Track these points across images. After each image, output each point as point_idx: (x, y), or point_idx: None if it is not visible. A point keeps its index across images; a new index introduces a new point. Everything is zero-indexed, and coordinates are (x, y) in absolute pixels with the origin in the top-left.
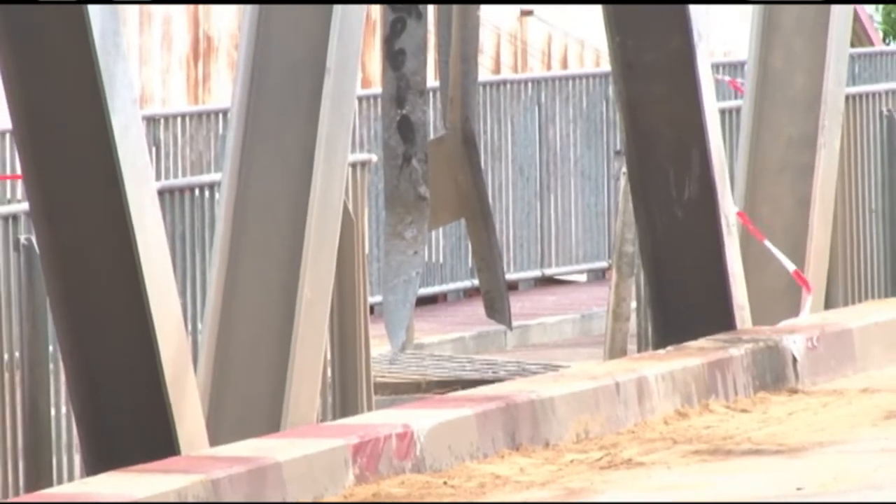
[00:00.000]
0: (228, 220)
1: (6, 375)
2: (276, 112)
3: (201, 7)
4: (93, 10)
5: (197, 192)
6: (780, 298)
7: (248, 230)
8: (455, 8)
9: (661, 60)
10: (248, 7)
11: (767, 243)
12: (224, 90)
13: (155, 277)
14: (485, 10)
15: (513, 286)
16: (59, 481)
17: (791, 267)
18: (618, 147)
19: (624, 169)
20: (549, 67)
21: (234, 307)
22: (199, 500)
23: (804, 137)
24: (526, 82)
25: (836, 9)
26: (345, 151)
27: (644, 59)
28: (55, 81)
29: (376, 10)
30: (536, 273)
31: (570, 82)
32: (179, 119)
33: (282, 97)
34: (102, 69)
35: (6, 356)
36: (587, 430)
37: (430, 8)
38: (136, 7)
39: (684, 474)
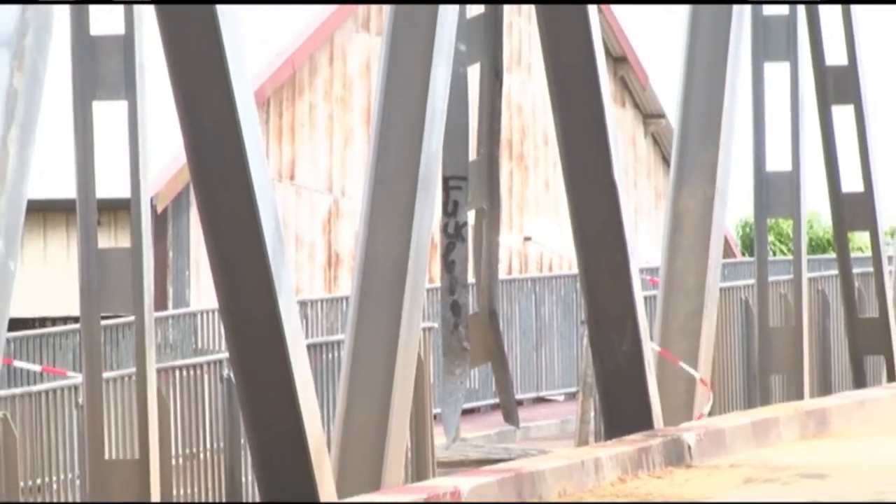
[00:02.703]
0: (349, 361)
1: (216, 457)
2: (378, 297)
3: (333, 233)
4: (267, 232)
5: (330, 348)
6: (681, 409)
7: (361, 368)
8: (484, 239)
9: (609, 267)
10: (361, 233)
11: (682, 364)
12: (346, 285)
13: (305, 392)
14: (502, 236)
15: (519, 402)
16: None
17: (698, 376)
18: (582, 319)
19: (585, 331)
20: (540, 271)
21: (352, 417)
22: None
23: (695, 311)
24: (527, 280)
25: (714, 236)
26: (418, 321)
27: (598, 265)
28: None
29: (436, 233)
30: (533, 394)
31: (554, 280)
32: (320, 302)
33: (381, 289)
34: (274, 273)
35: (218, 444)
36: (565, 490)
37: (471, 235)
38: (291, 234)
39: None
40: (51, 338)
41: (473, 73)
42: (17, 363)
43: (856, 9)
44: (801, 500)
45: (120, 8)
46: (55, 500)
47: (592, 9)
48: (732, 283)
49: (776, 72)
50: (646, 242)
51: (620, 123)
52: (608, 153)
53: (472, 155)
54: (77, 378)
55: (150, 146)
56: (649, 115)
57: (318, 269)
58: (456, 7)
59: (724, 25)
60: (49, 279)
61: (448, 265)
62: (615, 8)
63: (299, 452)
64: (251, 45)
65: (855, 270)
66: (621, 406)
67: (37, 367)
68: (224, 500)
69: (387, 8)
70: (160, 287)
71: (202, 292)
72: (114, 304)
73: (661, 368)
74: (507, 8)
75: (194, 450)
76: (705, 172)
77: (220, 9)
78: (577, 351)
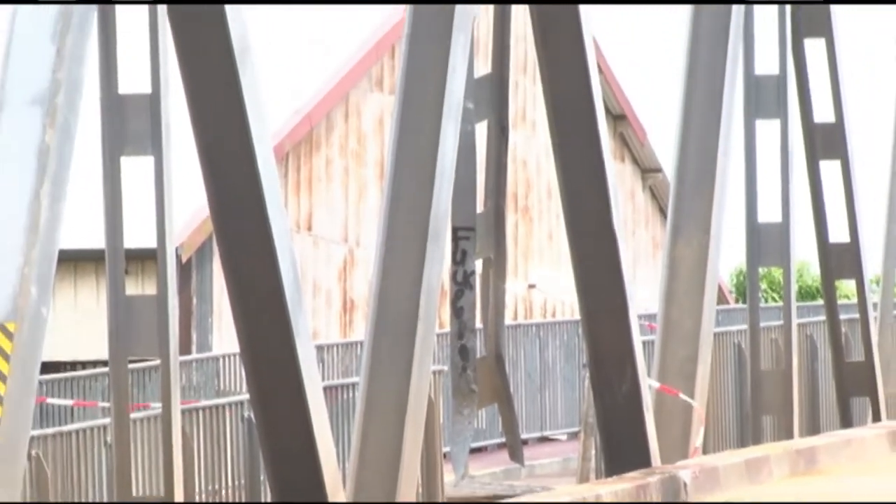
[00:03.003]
0: (363, 402)
1: (237, 493)
2: (391, 341)
3: (348, 281)
4: (286, 280)
5: (346, 390)
6: (677, 446)
7: (375, 409)
8: (491, 286)
9: (609, 313)
10: (374, 281)
11: (682, 395)
12: (360, 329)
13: (321, 431)
14: (507, 284)
15: (524, 442)
16: None
17: (696, 405)
18: (584, 362)
19: (586, 374)
20: (544, 316)
21: (366, 455)
22: None
23: (690, 357)
24: (531, 325)
25: (708, 283)
26: (429, 364)
27: (599, 311)
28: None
29: (447, 280)
30: (538, 434)
31: (557, 325)
32: (336, 346)
33: (394, 334)
34: (292, 319)
35: (239, 480)
36: None
37: (478, 283)
38: (309, 282)
39: None
40: (81, 380)
41: (481, 129)
42: (50, 400)
43: (843, 68)
44: None
45: (147, 67)
46: None
47: (594, 68)
48: (726, 328)
49: (767, 128)
50: (644, 289)
51: (620, 177)
52: (608, 205)
53: (480, 207)
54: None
55: (175, 199)
56: (647, 170)
57: (335, 315)
58: (464, 66)
59: (718, 84)
60: (79, 325)
61: (457, 311)
62: (614, 67)
63: (316, 488)
64: (271, 103)
65: (842, 317)
66: (621, 445)
67: (69, 402)
68: None
69: (399, 68)
70: (184, 332)
71: (224, 337)
72: (141, 348)
73: (659, 407)
74: (512, 68)
75: (216, 486)
76: (700, 223)
77: (241, 68)
78: (578, 393)
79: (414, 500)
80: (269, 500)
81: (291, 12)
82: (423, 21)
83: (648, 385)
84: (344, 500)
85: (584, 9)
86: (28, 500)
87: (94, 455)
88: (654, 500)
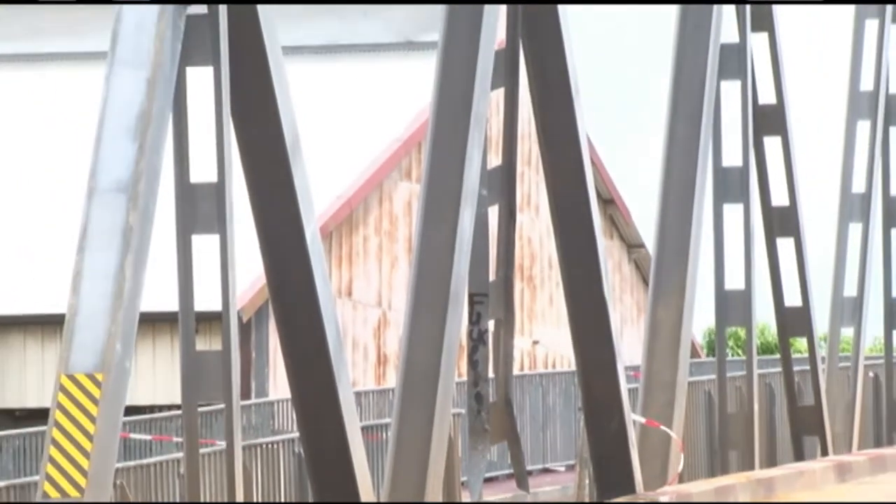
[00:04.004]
0: (394, 439)
1: None
2: (417, 389)
3: (382, 338)
4: (330, 338)
5: (380, 429)
6: (657, 476)
7: (404, 445)
8: (501, 342)
9: (600, 365)
10: (403, 338)
11: (663, 427)
12: (392, 379)
13: (359, 463)
14: (515, 340)
15: (529, 472)
16: None
17: (674, 436)
18: (579, 406)
19: (581, 416)
20: (546, 368)
21: (397, 484)
22: None
23: (669, 401)
24: (535, 375)
25: (683, 341)
26: (449, 408)
27: (591, 363)
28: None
29: (464, 338)
30: (540, 466)
31: (557, 375)
32: (371, 393)
33: (420, 382)
34: (335, 370)
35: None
36: None
37: (491, 340)
38: (349, 339)
39: None
40: (158, 421)
41: (493, 212)
42: (133, 435)
43: (796, 161)
44: None
45: (213, 159)
46: None
47: (588, 161)
48: (698, 378)
49: (732, 211)
50: (629, 345)
51: (609, 251)
52: (599, 275)
53: (492, 276)
54: (178, 454)
55: (237, 269)
56: (632, 245)
57: (370, 367)
58: (479, 160)
59: (692, 175)
60: (157, 375)
61: (473, 363)
62: (604, 159)
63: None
64: (317, 190)
65: (795, 368)
66: (610, 475)
67: (148, 436)
68: None
69: (424, 161)
70: (245, 381)
71: (278, 385)
72: (208, 395)
73: (642, 443)
74: (518, 161)
75: None
76: (676, 290)
77: (292, 160)
78: (574, 431)
79: None
80: None
81: (334, 113)
82: (444, 122)
83: (634, 420)
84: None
85: (578, 111)
86: None
87: (169, 484)
88: None
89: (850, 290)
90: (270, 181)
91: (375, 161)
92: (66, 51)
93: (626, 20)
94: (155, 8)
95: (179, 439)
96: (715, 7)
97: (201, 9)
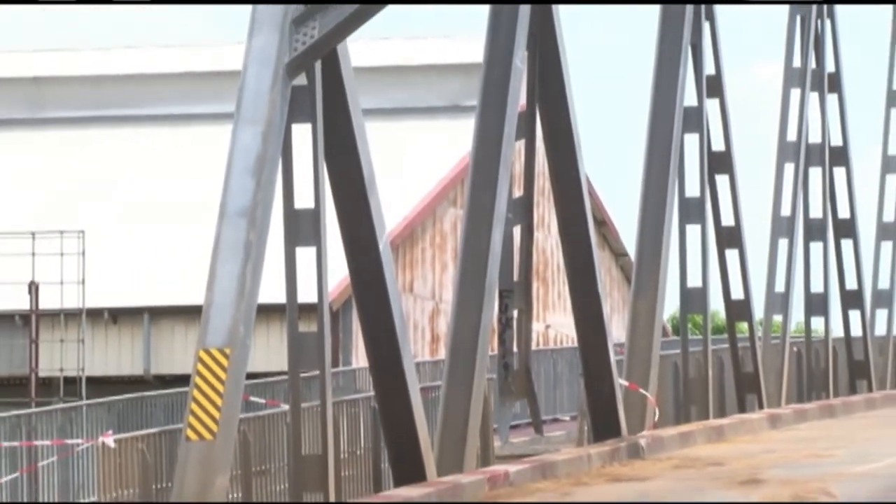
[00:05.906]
0: (444, 397)
1: (366, 454)
2: (461, 361)
3: (435, 322)
4: (397, 323)
5: (434, 390)
6: (637, 425)
7: (451, 401)
8: (523, 326)
9: (595, 343)
10: (451, 323)
11: (641, 389)
12: (442, 353)
13: (419, 414)
14: (533, 325)
15: (543, 421)
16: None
17: (650, 396)
18: (580, 372)
19: (582, 380)
20: (555, 345)
21: (445, 428)
22: (431, 500)
23: (646, 370)
24: (548, 350)
25: (657, 325)
26: (485, 374)
27: (589, 342)
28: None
29: (495, 322)
30: (551, 416)
31: (563, 350)
32: (427, 363)
33: (463, 356)
34: (401, 346)
35: (368, 444)
36: (569, 472)
37: (515, 324)
38: (411, 323)
39: (605, 490)
40: (271, 384)
41: (517, 231)
42: (252, 398)
43: (740, 194)
44: (709, 478)
45: (311, 191)
46: (272, 482)
47: (586, 194)
48: (667, 352)
49: (693, 230)
50: (617, 329)
51: (602, 260)
52: (595, 277)
53: (516, 277)
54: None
55: (328, 272)
56: (619, 254)
57: (426, 344)
58: (506, 191)
59: (663, 202)
60: (269, 350)
61: (501, 341)
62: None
63: (415, 449)
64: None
65: (739, 345)
66: (603, 423)
67: (262, 401)
68: (371, 482)
69: (466, 191)
70: (334, 354)
71: (360, 357)
72: (307, 365)
73: (627, 400)
74: (536, 192)
75: (354, 448)
76: (651, 288)
77: (369, 190)
78: (577, 391)
79: (475, 456)
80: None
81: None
82: (481, 164)
83: (620, 384)
84: (431, 452)
85: (579, 157)
86: (238, 460)
87: (279, 431)
88: (623, 457)
89: (779, 286)
90: (353, 207)
91: (430, 193)
92: (206, 112)
93: (617, 87)
94: (268, 79)
95: (286, 406)
96: (679, 78)
97: (303, 80)
